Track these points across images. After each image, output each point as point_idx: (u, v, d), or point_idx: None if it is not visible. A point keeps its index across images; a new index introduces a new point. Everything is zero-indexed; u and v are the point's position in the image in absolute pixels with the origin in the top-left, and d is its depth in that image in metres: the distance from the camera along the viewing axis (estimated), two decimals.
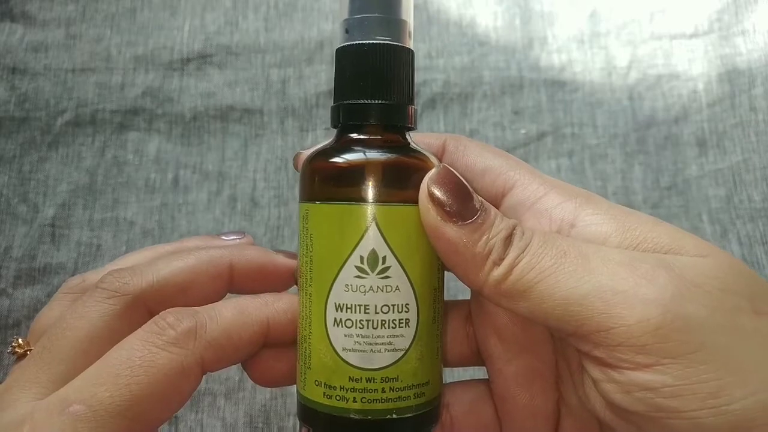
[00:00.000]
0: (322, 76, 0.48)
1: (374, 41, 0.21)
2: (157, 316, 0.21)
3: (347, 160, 0.22)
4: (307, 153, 0.23)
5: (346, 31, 0.22)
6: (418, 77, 0.48)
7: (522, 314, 0.20)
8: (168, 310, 0.21)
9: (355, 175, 0.21)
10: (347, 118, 0.22)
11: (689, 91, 0.47)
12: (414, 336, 0.21)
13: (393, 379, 0.21)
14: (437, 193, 0.20)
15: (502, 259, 0.20)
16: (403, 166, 0.22)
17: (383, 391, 0.21)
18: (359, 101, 0.22)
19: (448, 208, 0.20)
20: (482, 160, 0.24)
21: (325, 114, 0.47)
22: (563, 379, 0.23)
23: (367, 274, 0.21)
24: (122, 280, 0.22)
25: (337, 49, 0.22)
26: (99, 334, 0.21)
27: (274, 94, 0.47)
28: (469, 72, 0.48)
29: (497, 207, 0.23)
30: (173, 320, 0.20)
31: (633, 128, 0.46)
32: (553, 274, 0.19)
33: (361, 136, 0.22)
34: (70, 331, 0.21)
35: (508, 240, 0.20)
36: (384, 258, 0.21)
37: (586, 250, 0.20)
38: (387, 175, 0.21)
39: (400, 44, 0.22)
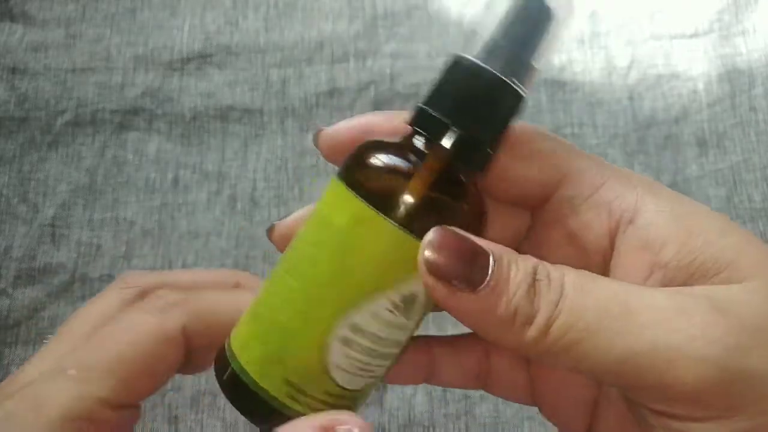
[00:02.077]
0: (322, 76, 0.48)
1: (493, 71, 0.19)
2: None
3: (416, 190, 0.19)
4: (329, 129, 0.22)
5: (475, 43, 0.20)
6: (419, 77, 0.48)
7: (565, 368, 0.19)
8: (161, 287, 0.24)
9: (414, 206, 0.19)
10: (421, 125, 0.20)
11: (689, 91, 0.47)
12: (388, 366, 0.21)
13: (354, 398, 0.21)
14: (437, 261, 0.18)
15: (532, 317, 0.17)
16: (449, 204, 0.20)
17: (343, 406, 0.20)
18: (442, 117, 0.19)
19: (454, 282, 0.17)
20: (529, 144, 0.21)
21: (324, 114, 0.47)
22: None
23: (398, 313, 0.19)
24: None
25: (454, 55, 0.20)
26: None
27: (274, 94, 0.47)
28: None
29: (549, 198, 0.21)
30: (162, 293, 0.23)
31: (633, 128, 0.46)
32: (597, 333, 0.17)
33: (423, 149, 0.20)
34: (115, 344, 0.22)
35: (532, 290, 0.18)
36: (416, 301, 0.19)
37: (629, 300, 0.17)
38: (434, 211, 0.19)
39: (515, 85, 0.19)
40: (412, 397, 0.39)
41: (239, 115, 0.47)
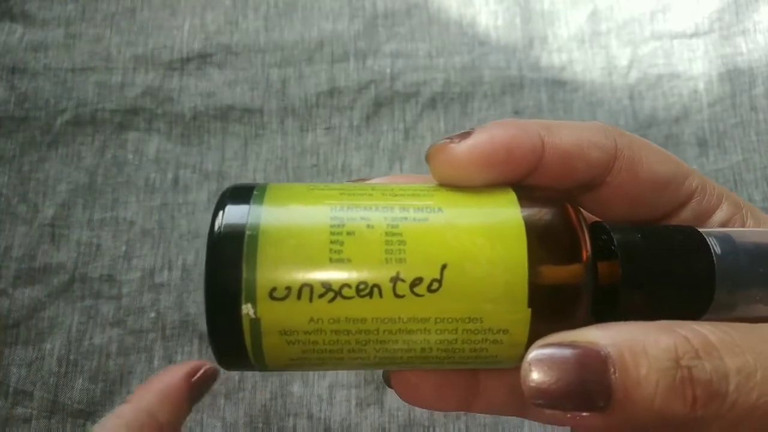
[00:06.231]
0: (322, 76, 0.48)
1: (715, 270, 0.18)
2: None
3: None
4: (462, 145, 0.18)
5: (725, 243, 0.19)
6: (419, 76, 0.48)
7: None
8: None
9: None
10: (627, 262, 0.18)
11: (690, 90, 0.47)
12: None
13: None
14: (546, 391, 0.14)
15: (690, 408, 0.14)
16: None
17: None
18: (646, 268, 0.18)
19: (572, 414, 0.14)
20: (662, 168, 0.19)
21: (324, 113, 0.47)
22: None
23: None
24: None
25: (698, 231, 0.19)
26: None
27: (274, 93, 0.47)
28: (470, 71, 0.48)
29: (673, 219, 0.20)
30: None
31: (634, 128, 0.46)
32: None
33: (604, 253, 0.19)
34: None
35: (680, 382, 0.14)
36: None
37: None
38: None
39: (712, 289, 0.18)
40: None
41: (239, 114, 0.47)
